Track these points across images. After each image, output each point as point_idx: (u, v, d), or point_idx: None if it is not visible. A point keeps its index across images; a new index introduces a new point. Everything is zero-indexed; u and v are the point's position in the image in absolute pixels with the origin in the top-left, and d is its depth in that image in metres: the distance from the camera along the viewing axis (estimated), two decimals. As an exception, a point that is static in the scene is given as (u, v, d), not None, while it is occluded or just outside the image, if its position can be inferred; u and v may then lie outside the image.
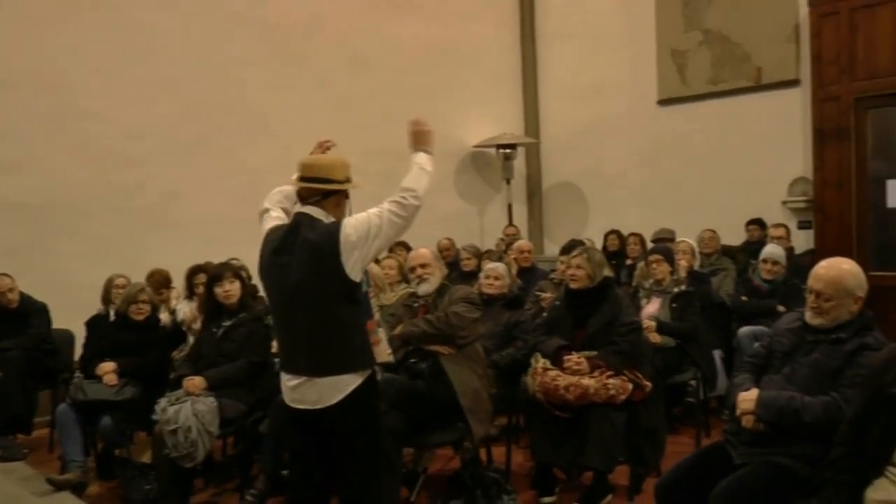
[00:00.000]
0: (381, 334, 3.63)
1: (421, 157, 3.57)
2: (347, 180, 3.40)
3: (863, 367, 3.07)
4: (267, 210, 3.58)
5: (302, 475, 3.46)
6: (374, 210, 3.27)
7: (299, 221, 3.32)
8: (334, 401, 3.21)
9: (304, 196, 3.38)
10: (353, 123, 9.03)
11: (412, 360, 4.61)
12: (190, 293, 6.19)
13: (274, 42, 8.63)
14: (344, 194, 3.41)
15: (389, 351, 3.73)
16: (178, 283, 6.62)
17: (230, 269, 5.24)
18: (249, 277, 6.73)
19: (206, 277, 5.56)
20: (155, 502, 4.65)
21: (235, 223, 8.35)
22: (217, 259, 6.07)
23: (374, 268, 5.96)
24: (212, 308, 5.16)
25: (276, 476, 4.64)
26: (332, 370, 3.22)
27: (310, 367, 3.25)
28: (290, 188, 3.57)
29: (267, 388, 4.89)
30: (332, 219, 3.30)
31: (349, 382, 3.22)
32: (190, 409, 4.54)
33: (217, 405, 4.67)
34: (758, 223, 8.00)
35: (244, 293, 5.25)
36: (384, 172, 9.23)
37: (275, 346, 5.06)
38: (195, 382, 4.74)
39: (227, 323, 5.07)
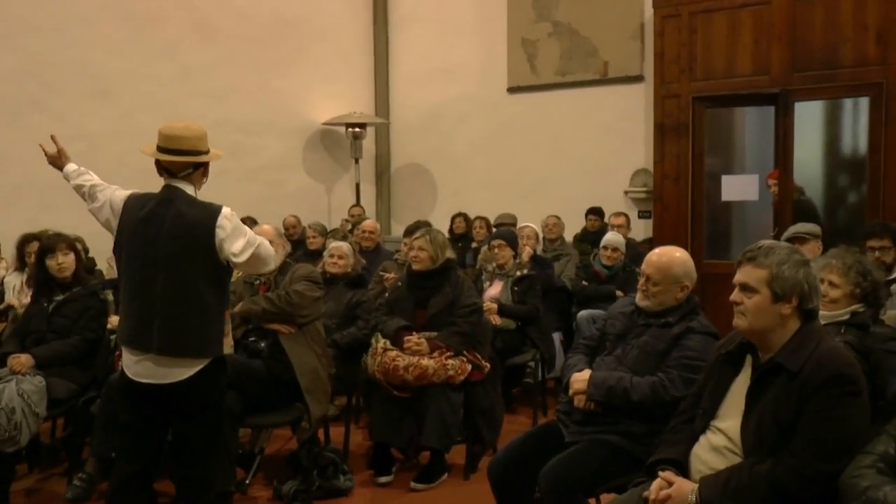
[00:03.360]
0: (229, 326, 3.55)
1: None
2: (208, 151, 3.37)
3: (687, 348, 3.21)
4: (98, 184, 3.54)
5: (130, 450, 3.36)
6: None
7: (170, 195, 3.27)
8: (180, 378, 3.19)
9: (171, 170, 3.31)
10: (198, 93, 8.75)
11: (251, 339, 4.52)
12: (21, 264, 5.81)
13: (117, 2, 8.21)
14: (206, 167, 3.39)
15: (231, 344, 3.58)
16: (8, 252, 6.25)
17: (64, 241, 4.90)
18: (86, 250, 6.38)
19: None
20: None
21: (70, 191, 7.92)
22: (53, 228, 5.72)
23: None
24: (42, 281, 4.83)
25: (108, 459, 4.40)
26: (185, 353, 3.19)
27: (161, 345, 3.18)
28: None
29: (102, 367, 4.67)
30: (196, 192, 3.33)
31: (189, 365, 3.20)
32: (14, 390, 4.22)
33: (45, 385, 4.38)
34: (597, 213, 8.23)
35: (79, 266, 4.94)
36: (231, 145, 9.05)
37: (112, 322, 4.83)
38: (21, 360, 4.42)
39: (60, 297, 4.77)
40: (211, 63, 8.87)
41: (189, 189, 3.31)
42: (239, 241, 3.25)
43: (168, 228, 3.20)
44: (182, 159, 3.29)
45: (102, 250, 7.38)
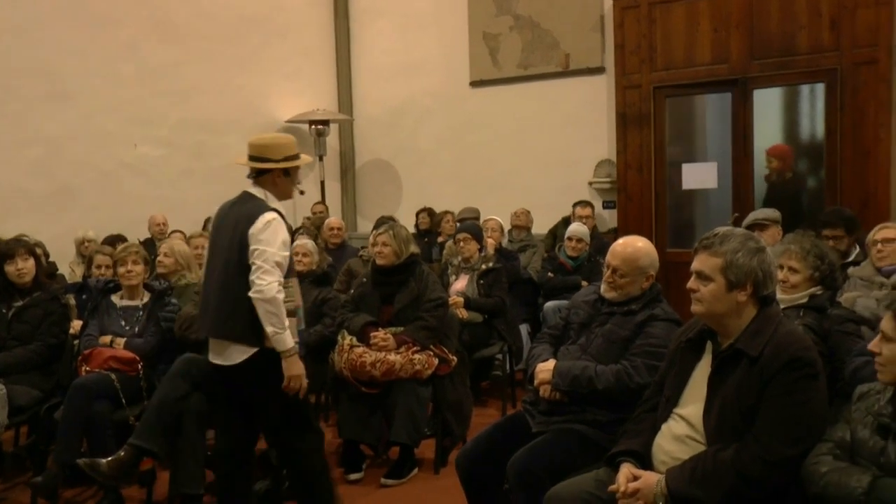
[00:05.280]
0: (293, 324, 3.58)
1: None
2: (285, 160, 3.62)
3: (651, 336, 3.24)
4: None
5: (223, 424, 3.85)
6: (282, 253, 3.48)
7: (241, 196, 3.66)
8: (236, 361, 3.48)
9: (249, 174, 3.67)
10: (160, 92, 8.68)
11: (217, 339, 4.47)
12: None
13: (76, 2, 8.09)
14: (277, 173, 3.62)
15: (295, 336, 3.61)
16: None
17: (24, 246, 4.84)
18: (46, 255, 6.31)
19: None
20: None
21: (30, 196, 7.89)
22: (7, 234, 5.63)
23: (181, 246, 5.72)
24: (1, 287, 4.76)
25: (73, 466, 4.35)
26: (231, 337, 3.49)
27: (214, 328, 3.56)
28: None
29: (66, 373, 4.63)
30: (270, 196, 3.61)
31: (243, 351, 3.46)
32: (-27, 398, 4.17)
33: (6, 392, 4.32)
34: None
35: (39, 271, 4.89)
36: (195, 144, 9.03)
37: (75, 326, 4.78)
38: (-19, 368, 4.37)
39: (19, 303, 4.70)
40: (172, 62, 8.79)
41: (256, 191, 3.62)
42: (259, 245, 3.42)
43: (226, 223, 3.56)
44: (249, 164, 3.64)
45: (65, 254, 7.34)
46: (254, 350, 3.46)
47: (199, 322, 4.41)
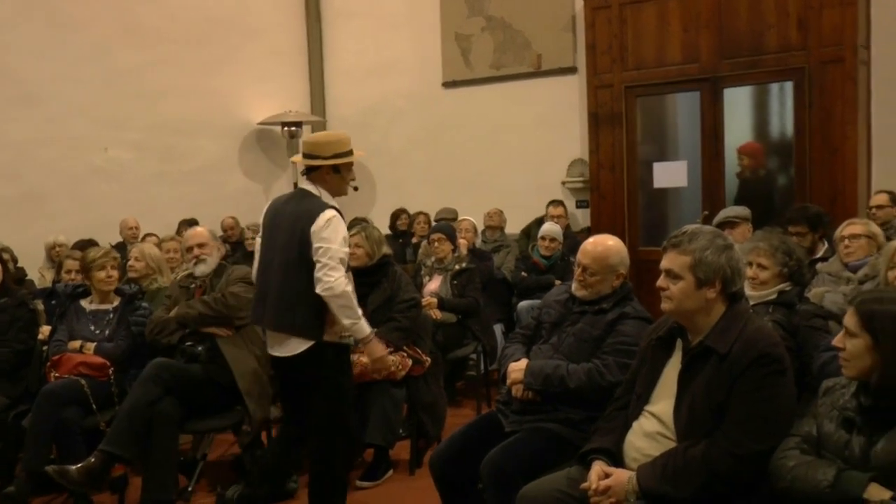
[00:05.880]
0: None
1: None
2: (335, 156, 3.68)
3: (622, 334, 3.25)
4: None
5: (285, 411, 4.10)
6: (345, 249, 3.60)
7: (296, 192, 3.83)
8: (292, 353, 3.61)
9: (303, 170, 3.80)
10: (129, 95, 8.62)
11: (188, 343, 4.45)
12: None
13: (41, 4, 8.01)
14: (326, 169, 3.69)
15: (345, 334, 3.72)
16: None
17: (-11, 251, 4.81)
18: (15, 260, 6.24)
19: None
20: None
21: (-2, 200, 7.81)
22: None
23: (152, 249, 5.69)
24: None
25: (41, 474, 4.30)
26: (288, 330, 3.61)
27: (270, 320, 3.69)
28: None
29: (34, 379, 4.57)
30: (322, 191, 3.70)
31: (302, 343, 3.58)
32: (-63, 406, 4.13)
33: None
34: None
35: (6, 277, 4.84)
36: (166, 147, 8.97)
37: (44, 332, 4.73)
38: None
39: (-14, 309, 4.65)
40: (141, 65, 8.73)
41: (310, 187, 3.72)
42: (323, 243, 3.52)
43: (283, 220, 3.67)
44: (303, 161, 3.74)
45: (34, 260, 7.27)
46: (311, 343, 3.59)
47: (171, 326, 4.44)
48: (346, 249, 3.62)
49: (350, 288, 3.55)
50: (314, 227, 3.54)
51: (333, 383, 3.70)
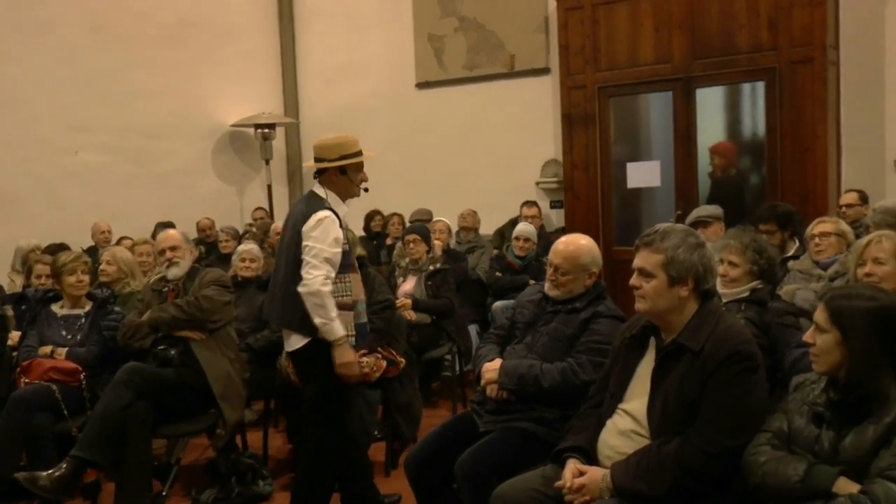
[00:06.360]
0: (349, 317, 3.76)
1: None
2: (341, 158, 3.75)
3: (595, 333, 3.27)
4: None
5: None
6: (331, 250, 3.64)
7: (305, 194, 3.92)
8: (294, 347, 3.73)
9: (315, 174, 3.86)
10: (100, 99, 8.55)
11: (161, 347, 4.40)
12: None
13: (8, 7, 7.93)
14: (333, 171, 3.77)
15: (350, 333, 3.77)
16: None
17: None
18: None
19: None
20: None
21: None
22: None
23: (124, 253, 5.64)
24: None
25: (11, 481, 4.24)
26: (290, 326, 3.72)
27: (275, 315, 3.85)
28: None
29: (4, 385, 4.50)
30: (331, 193, 3.78)
31: (300, 339, 3.67)
32: None
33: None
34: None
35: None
36: (138, 150, 8.90)
37: (13, 337, 4.68)
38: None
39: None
40: (113, 67, 8.66)
41: (318, 190, 3.80)
42: (309, 242, 3.61)
43: (290, 219, 3.81)
44: (313, 164, 3.82)
45: (3, 264, 7.18)
46: (309, 339, 3.66)
47: (143, 330, 4.41)
48: (337, 250, 3.64)
49: (328, 288, 3.57)
50: (305, 227, 3.63)
51: (330, 379, 3.72)
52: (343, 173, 3.79)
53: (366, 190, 3.97)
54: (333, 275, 3.63)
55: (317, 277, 3.56)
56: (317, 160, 3.79)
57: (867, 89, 7.12)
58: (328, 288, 3.58)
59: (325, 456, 3.81)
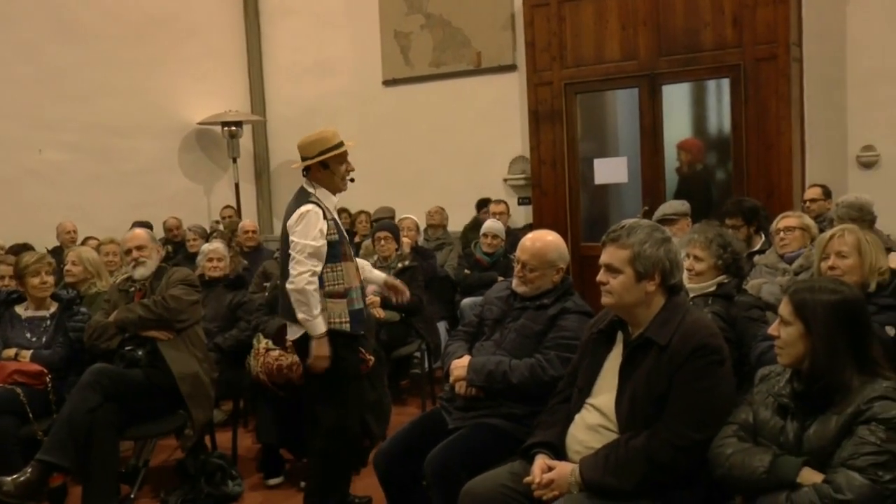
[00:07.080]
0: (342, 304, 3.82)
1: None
2: (321, 153, 3.81)
3: (563, 329, 3.28)
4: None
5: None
6: (315, 243, 3.70)
7: (297, 192, 3.95)
8: (295, 337, 3.83)
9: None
10: (64, 96, 8.46)
11: (128, 348, 4.35)
12: None
13: (-32, 3, 7.83)
14: (316, 167, 3.85)
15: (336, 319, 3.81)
16: None
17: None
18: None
19: None
20: None
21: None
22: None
23: (89, 253, 5.57)
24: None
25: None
26: (289, 317, 3.79)
27: (281, 310, 3.92)
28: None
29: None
30: (319, 188, 3.86)
31: (297, 330, 3.77)
32: None
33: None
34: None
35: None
36: (103, 148, 8.80)
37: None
38: None
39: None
40: (76, 64, 8.56)
41: (308, 186, 3.88)
42: (294, 237, 3.70)
43: (284, 217, 3.84)
44: (295, 165, 3.95)
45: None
46: (304, 331, 3.74)
47: (110, 331, 4.37)
48: (321, 242, 3.71)
49: (312, 287, 3.65)
50: (290, 223, 3.75)
51: (337, 364, 3.79)
52: (325, 167, 3.86)
53: (352, 180, 4.02)
54: (319, 268, 3.70)
55: (302, 275, 3.63)
56: (302, 160, 3.87)
57: (830, 86, 7.23)
58: (313, 286, 3.65)
59: (340, 439, 3.87)
